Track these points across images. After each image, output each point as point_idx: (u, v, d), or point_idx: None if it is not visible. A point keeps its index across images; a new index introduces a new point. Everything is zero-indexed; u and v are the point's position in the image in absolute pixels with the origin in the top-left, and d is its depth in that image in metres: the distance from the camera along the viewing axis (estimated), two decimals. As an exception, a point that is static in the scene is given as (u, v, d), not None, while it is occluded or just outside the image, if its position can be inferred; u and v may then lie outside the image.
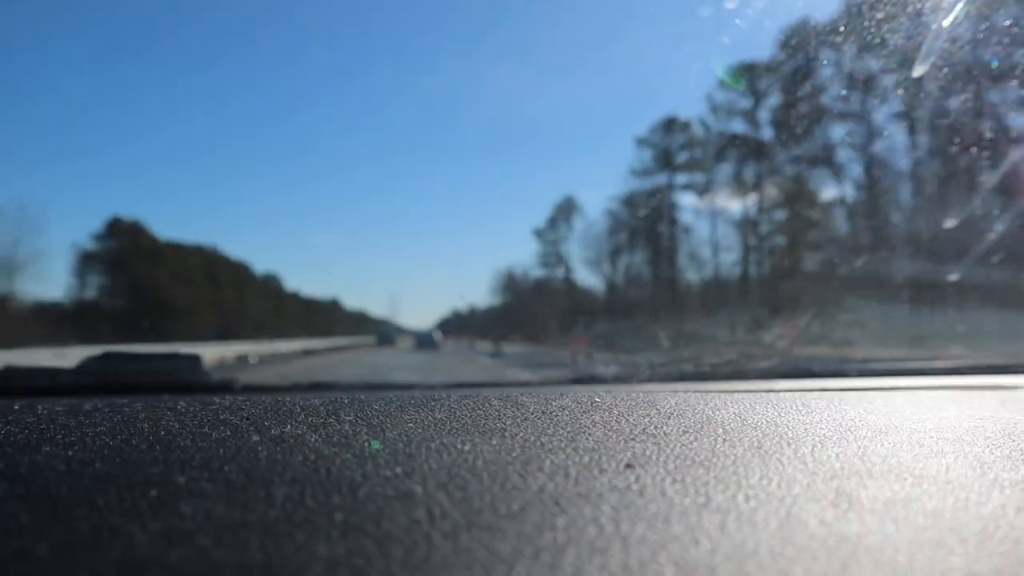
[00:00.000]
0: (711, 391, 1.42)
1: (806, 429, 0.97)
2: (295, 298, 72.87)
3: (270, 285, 67.21)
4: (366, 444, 0.87)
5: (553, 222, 51.41)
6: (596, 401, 1.13)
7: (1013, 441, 0.93)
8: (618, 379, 1.89)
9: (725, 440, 0.90)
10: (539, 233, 51.41)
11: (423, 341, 38.47)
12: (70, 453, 0.84)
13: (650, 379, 1.85)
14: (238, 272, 59.00)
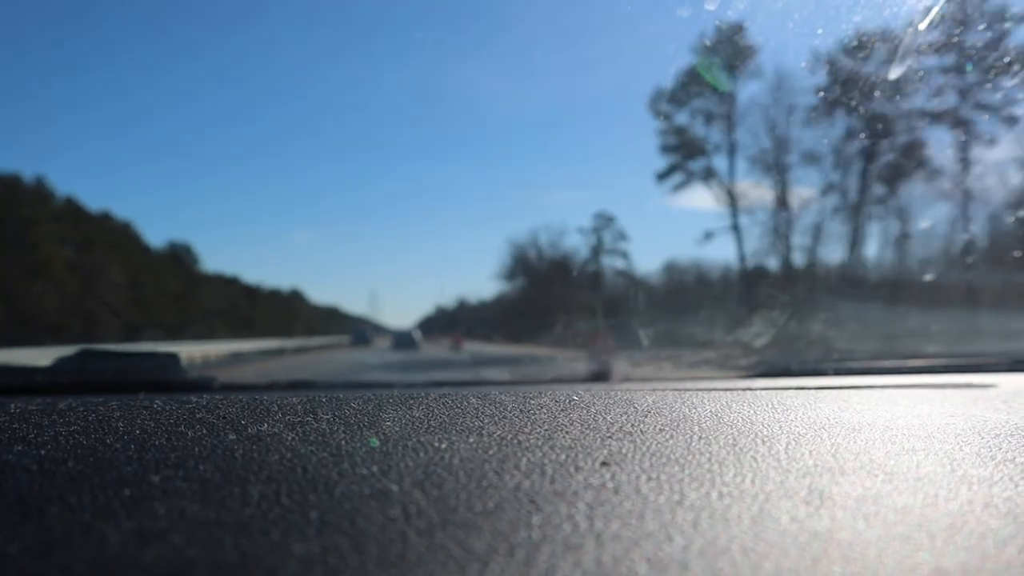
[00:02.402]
0: (688, 389, 1.43)
1: (781, 427, 0.98)
2: (229, 284, 52.29)
3: (179, 260, 46.04)
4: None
5: (691, 82, 21.82)
6: (574, 399, 1.14)
7: (982, 438, 0.95)
8: (597, 377, 1.90)
9: (700, 438, 0.91)
10: (660, 102, 24.16)
11: (401, 341, 35.51)
12: (43, 452, 0.83)
13: (629, 378, 1.86)
14: (98, 232, 35.67)
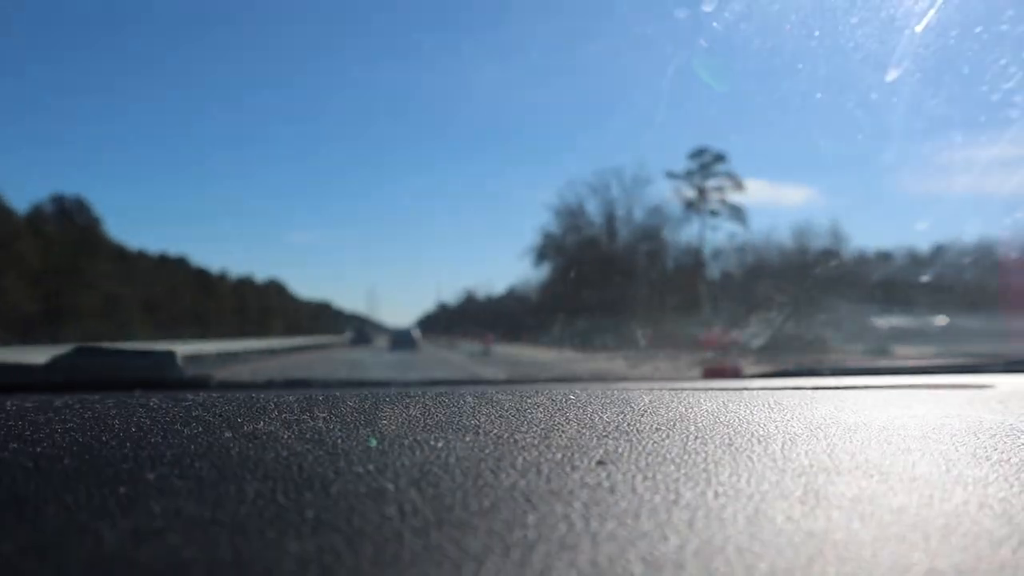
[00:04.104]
0: (685, 388, 1.43)
1: (777, 427, 0.98)
2: (166, 265, 38.62)
3: (66, 221, 31.88)
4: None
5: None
6: (571, 399, 1.14)
7: (978, 439, 0.95)
8: (595, 376, 1.90)
9: (697, 437, 0.91)
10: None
11: (399, 340, 34.18)
12: (38, 450, 0.83)
13: (626, 378, 1.86)
14: None
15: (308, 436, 0.88)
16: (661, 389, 1.38)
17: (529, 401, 1.11)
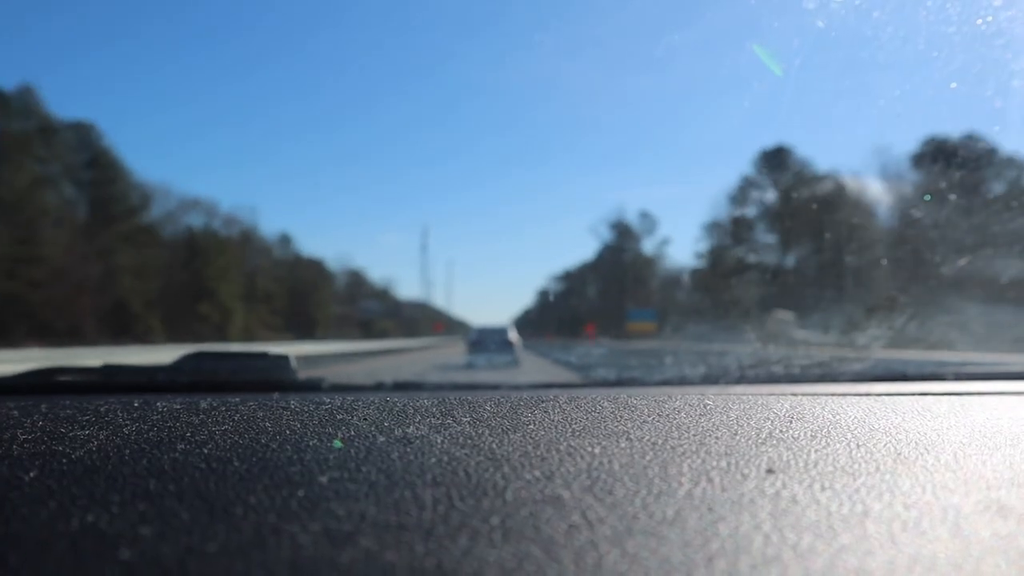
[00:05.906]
0: (807, 394, 1.39)
1: (939, 435, 0.94)
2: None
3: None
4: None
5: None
6: (708, 404, 1.11)
7: None
8: (706, 380, 1.86)
9: (860, 446, 0.87)
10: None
11: (486, 343, 21.71)
12: (205, 451, 0.85)
13: (739, 381, 1.82)
14: None
15: (461, 441, 0.88)
16: (795, 394, 1.34)
17: (667, 406, 1.09)
